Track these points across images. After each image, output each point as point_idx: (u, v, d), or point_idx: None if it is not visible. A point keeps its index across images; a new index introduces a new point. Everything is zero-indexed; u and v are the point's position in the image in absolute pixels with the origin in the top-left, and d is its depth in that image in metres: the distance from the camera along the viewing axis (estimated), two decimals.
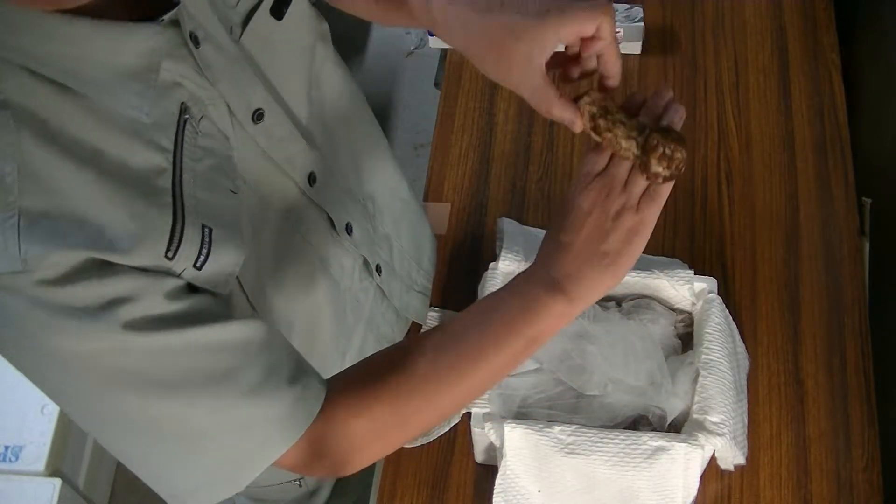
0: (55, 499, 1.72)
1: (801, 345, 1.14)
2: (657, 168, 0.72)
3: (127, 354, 0.65)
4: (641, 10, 1.39)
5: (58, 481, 1.73)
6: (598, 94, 0.75)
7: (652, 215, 0.73)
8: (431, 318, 1.18)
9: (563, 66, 0.76)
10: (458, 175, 1.32)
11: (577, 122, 0.73)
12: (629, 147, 0.73)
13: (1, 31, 0.60)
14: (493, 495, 1.02)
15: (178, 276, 0.68)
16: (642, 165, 0.72)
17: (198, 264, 0.69)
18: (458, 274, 1.23)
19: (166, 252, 0.67)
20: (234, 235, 0.73)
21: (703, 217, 1.25)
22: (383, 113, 0.85)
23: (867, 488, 1.04)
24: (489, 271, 1.13)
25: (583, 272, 0.73)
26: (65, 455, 1.81)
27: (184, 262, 0.68)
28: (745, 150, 1.30)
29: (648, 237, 0.74)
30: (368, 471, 1.04)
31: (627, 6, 1.40)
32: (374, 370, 0.77)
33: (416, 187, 1.14)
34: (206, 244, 0.69)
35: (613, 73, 0.74)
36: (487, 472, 1.07)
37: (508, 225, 1.18)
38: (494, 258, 1.14)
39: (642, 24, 1.38)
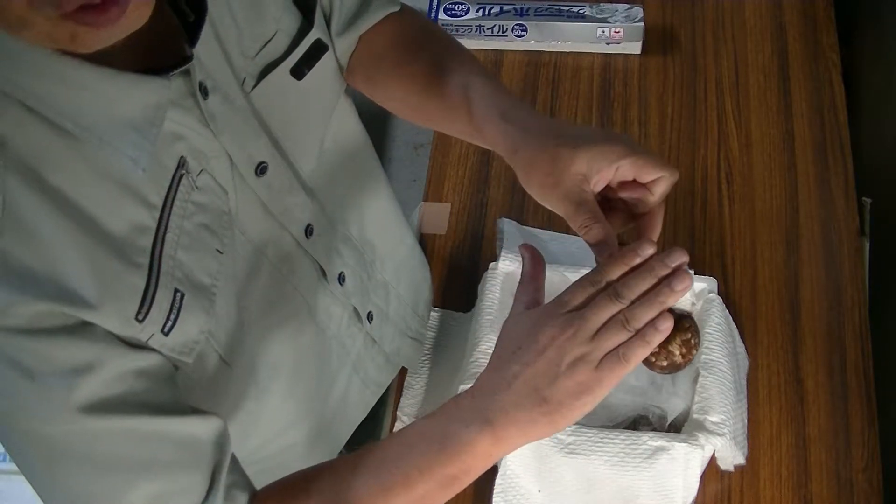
0: None
1: (801, 345, 1.14)
2: (675, 352, 0.65)
3: (72, 425, 0.63)
4: (641, 10, 1.39)
5: None
6: None
7: (612, 379, 0.62)
8: (432, 318, 1.18)
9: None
10: (458, 175, 1.32)
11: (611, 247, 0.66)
12: None
13: (4, 64, 0.59)
14: (493, 495, 1.02)
15: (146, 342, 0.67)
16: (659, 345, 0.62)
17: (165, 330, 0.68)
18: (458, 274, 1.23)
19: (137, 314, 0.65)
20: (203, 302, 0.71)
21: (703, 217, 1.25)
22: (384, 112, 0.85)
23: (867, 488, 1.04)
24: (489, 271, 1.13)
25: (515, 412, 0.64)
26: None
27: (152, 327, 0.67)
28: (745, 150, 1.30)
29: (599, 401, 0.62)
30: None
31: (627, 6, 1.40)
32: (295, 493, 0.73)
33: (416, 187, 1.15)
34: (176, 310, 0.68)
35: (651, 236, 0.69)
36: (487, 472, 1.06)
37: (508, 225, 1.18)
38: (494, 258, 1.14)
39: (642, 24, 1.38)
